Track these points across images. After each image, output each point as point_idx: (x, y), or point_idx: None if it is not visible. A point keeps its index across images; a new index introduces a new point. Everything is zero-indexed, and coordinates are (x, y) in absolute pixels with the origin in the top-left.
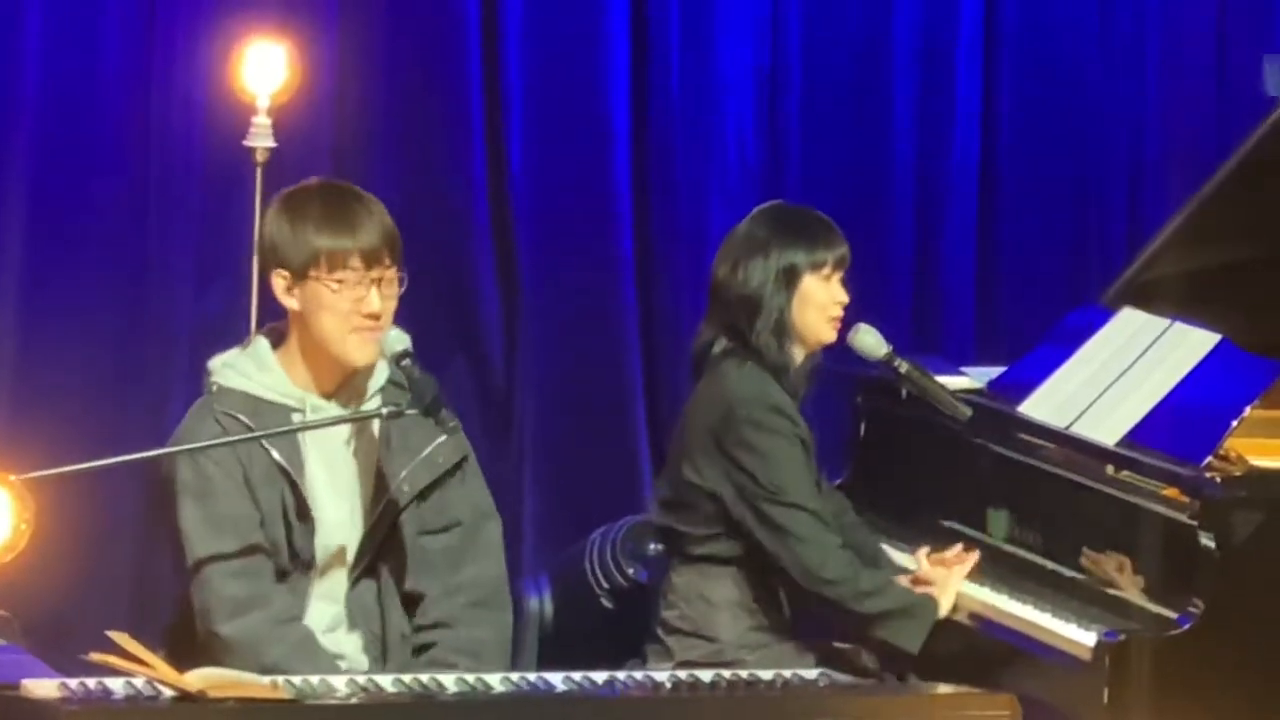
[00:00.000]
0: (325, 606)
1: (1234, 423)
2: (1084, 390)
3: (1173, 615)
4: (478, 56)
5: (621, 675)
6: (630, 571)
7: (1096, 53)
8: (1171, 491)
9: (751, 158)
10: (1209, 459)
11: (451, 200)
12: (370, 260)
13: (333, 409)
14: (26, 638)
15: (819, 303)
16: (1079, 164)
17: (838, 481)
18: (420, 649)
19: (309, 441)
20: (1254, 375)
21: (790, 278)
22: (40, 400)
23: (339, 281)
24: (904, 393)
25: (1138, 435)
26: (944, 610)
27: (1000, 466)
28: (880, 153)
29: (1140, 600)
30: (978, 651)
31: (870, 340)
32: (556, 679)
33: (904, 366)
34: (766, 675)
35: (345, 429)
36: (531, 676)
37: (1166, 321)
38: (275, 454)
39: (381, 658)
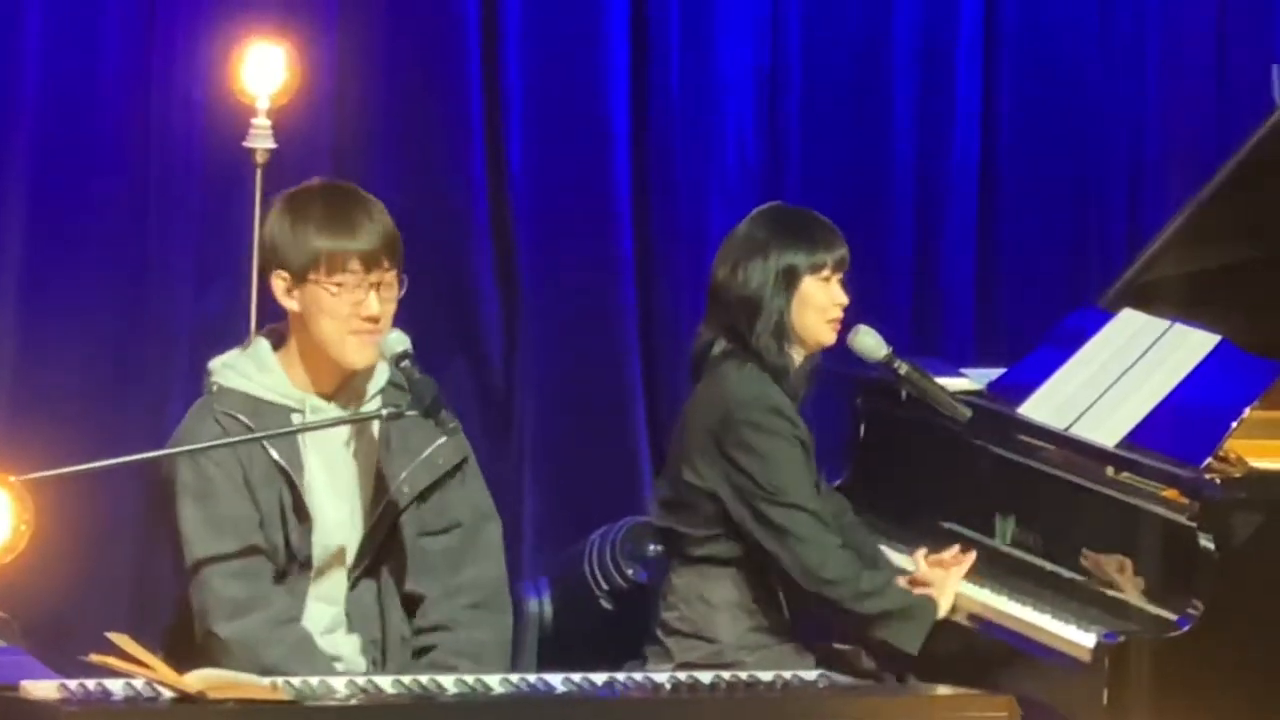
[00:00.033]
0: (324, 608)
1: (1234, 424)
2: (1084, 392)
3: (1172, 617)
4: (477, 57)
5: (621, 676)
6: (630, 572)
7: (1096, 53)
8: (1171, 493)
9: (751, 158)
10: (1209, 460)
11: (451, 201)
12: (369, 264)
13: (333, 410)
14: (26, 639)
15: (818, 304)
16: (1079, 164)
17: (837, 483)
18: (420, 651)
19: (309, 442)
20: (1253, 376)
21: (790, 279)
22: (40, 401)
23: (338, 285)
24: (904, 394)
25: (1137, 437)
26: (943, 611)
27: (1000, 468)
28: (880, 153)
29: (1140, 602)
30: (977, 653)
31: (870, 342)
32: (556, 680)
33: (903, 368)
34: (766, 677)
35: (345, 430)
36: (531, 678)
37: (1166, 323)
38: (274, 454)
39: (381, 659)
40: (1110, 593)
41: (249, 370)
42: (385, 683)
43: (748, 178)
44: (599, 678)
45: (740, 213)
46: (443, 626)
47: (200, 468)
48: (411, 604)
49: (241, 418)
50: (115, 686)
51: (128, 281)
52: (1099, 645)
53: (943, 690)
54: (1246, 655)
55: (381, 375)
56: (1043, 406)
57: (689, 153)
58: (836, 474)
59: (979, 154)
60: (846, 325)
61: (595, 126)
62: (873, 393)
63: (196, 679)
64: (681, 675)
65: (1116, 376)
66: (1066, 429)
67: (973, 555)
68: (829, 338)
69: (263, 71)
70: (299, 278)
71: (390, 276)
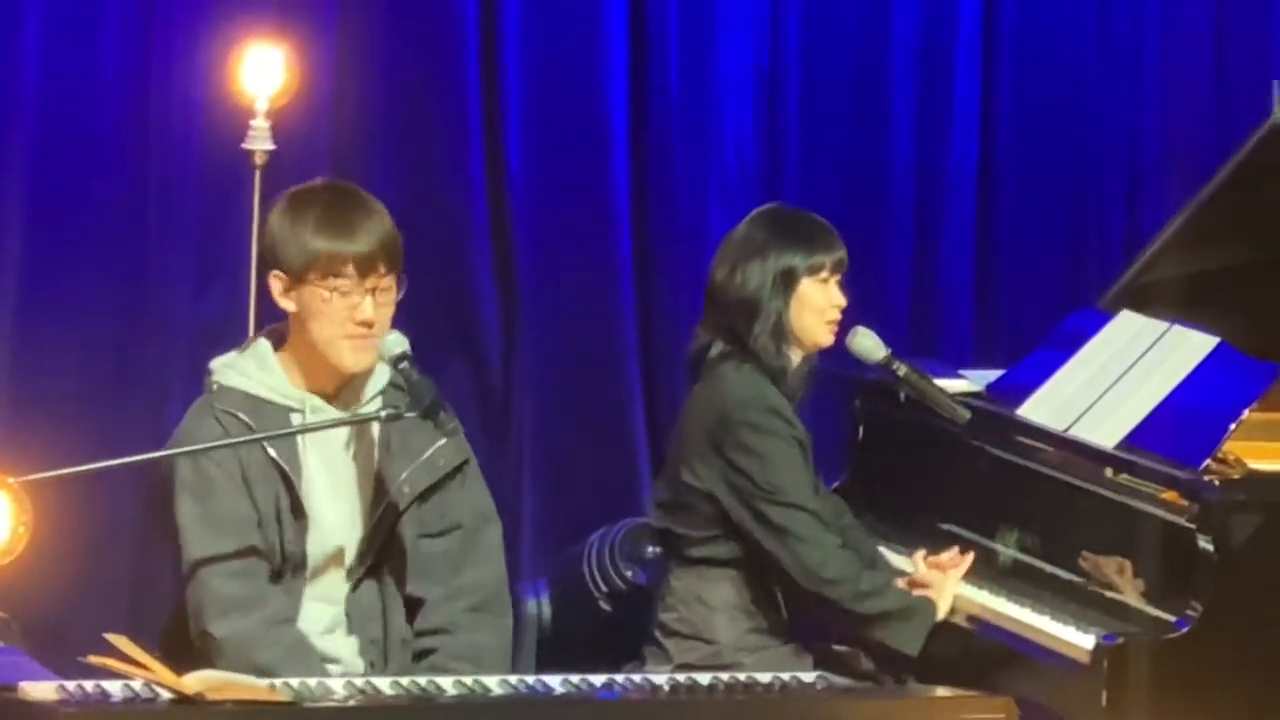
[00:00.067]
0: (323, 608)
1: (1232, 426)
2: (1082, 393)
3: (1171, 618)
4: (476, 58)
5: (620, 678)
6: (628, 574)
7: (1095, 53)
8: (1170, 494)
9: (750, 158)
10: (1208, 462)
11: (450, 202)
12: (365, 268)
13: (332, 410)
14: (25, 640)
15: (816, 306)
16: (1078, 165)
17: (835, 484)
18: (420, 655)
19: (308, 442)
20: (1252, 378)
21: (788, 281)
22: (38, 402)
23: (331, 289)
24: (902, 396)
25: (1136, 438)
26: (942, 613)
27: (999, 469)
28: (879, 153)
29: (1138, 603)
30: (975, 654)
31: (868, 343)
32: (555, 681)
33: (902, 369)
34: (764, 678)
35: (345, 431)
36: (530, 679)
37: (1165, 324)
38: (272, 452)
39: (382, 661)
40: (1109, 594)
41: (249, 369)
42: (383, 684)
43: (746, 178)
44: (598, 679)
45: (739, 213)
46: (443, 630)
47: (200, 467)
48: (412, 606)
49: (241, 416)
50: (113, 688)
51: (127, 282)
52: (1098, 647)
53: (941, 692)
54: (1245, 656)
55: (382, 376)
56: (1042, 408)
57: (688, 153)
58: (835, 475)
59: (978, 155)
60: (845, 326)
61: (594, 127)
62: (871, 394)
63: (195, 680)
64: (680, 676)
65: (1115, 378)
66: (1065, 430)
67: (971, 557)
68: (827, 339)
69: (262, 73)
70: (296, 279)
71: (387, 281)
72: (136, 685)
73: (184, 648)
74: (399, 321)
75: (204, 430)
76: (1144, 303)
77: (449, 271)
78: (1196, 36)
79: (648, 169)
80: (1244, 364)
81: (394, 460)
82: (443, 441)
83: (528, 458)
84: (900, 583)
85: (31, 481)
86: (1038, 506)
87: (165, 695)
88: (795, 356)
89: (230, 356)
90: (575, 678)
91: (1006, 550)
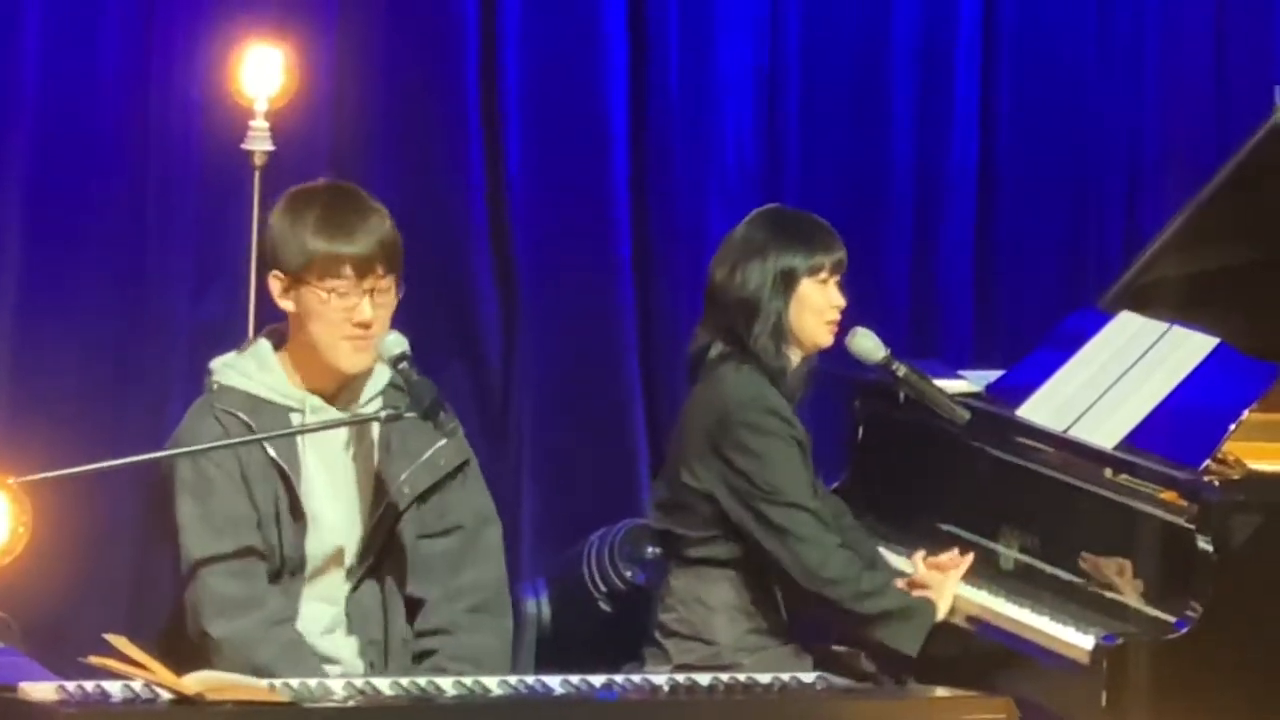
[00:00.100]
0: (323, 608)
1: (1232, 426)
2: (1082, 394)
3: (1170, 619)
4: (476, 58)
5: (619, 678)
6: (628, 574)
7: (1095, 53)
8: (1169, 495)
9: (750, 159)
10: (1207, 463)
11: (450, 202)
12: (363, 270)
13: (332, 410)
14: (25, 640)
15: (816, 307)
16: (1078, 165)
17: (835, 485)
18: (421, 655)
19: (308, 442)
20: (1252, 379)
21: (788, 281)
22: (38, 402)
23: (329, 290)
24: (902, 396)
25: (1136, 439)
26: (941, 613)
27: (998, 470)
28: (879, 153)
29: (1138, 604)
30: (975, 655)
31: (868, 344)
32: (554, 682)
33: (902, 370)
34: (764, 679)
35: (345, 431)
36: (529, 679)
37: (1164, 325)
38: (271, 451)
39: (383, 661)
40: (1109, 595)
41: (249, 369)
42: (383, 684)
43: (746, 178)
44: (597, 679)
45: (739, 214)
46: (443, 630)
47: (200, 466)
48: (412, 607)
49: (241, 416)
50: (113, 688)
51: (127, 282)
52: (1097, 647)
53: (941, 692)
54: (1245, 657)
55: (382, 377)
56: (1041, 408)
57: (688, 153)
58: (835, 476)
59: (978, 155)
60: (844, 327)
61: (594, 127)
62: (871, 395)
63: (194, 681)
64: (679, 677)
65: (1115, 378)
66: (1065, 431)
67: (970, 557)
68: (826, 339)
69: (261, 73)
70: (294, 279)
71: (386, 283)
72: (136, 686)
73: (184, 648)
74: (398, 322)
75: (204, 430)
76: (1144, 303)
77: (449, 272)
78: (1196, 36)
79: (647, 169)
80: (1244, 364)
81: (394, 461)
82: (443, 442)
83: (527, 458)
84: (900, 583)
85: (31, 481)
86: (1037, 507)
87: (165, 696)
88: (795, 357)
89: (230, 356)
90: (575, 678)
91: (1006, 551)
